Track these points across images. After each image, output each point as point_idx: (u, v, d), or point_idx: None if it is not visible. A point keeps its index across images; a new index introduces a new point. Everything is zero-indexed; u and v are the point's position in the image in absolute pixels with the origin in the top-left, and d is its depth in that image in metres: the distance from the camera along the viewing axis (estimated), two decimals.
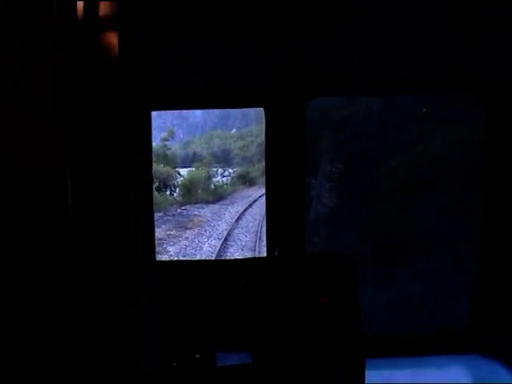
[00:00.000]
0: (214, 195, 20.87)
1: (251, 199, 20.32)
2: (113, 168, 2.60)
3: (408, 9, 2.85)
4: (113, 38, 2.58)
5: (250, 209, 19.33)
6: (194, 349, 3.19)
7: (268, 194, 3.87)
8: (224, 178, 22.67)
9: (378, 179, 7.64)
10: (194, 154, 22.73)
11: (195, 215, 18.84)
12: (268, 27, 3.14)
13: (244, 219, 18.18)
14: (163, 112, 15.39)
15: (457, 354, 3.98)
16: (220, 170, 22.65)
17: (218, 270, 3.43)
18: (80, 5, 2.33)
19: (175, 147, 21.91)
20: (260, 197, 19.85)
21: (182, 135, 22.69)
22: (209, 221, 18.15)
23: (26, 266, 2.30)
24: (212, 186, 21.68)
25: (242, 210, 19.31)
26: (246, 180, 22.00)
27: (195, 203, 19.93)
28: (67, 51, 2.32)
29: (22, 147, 2.29)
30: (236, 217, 18.36)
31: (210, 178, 21.82)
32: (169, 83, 3.65)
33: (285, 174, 3.74)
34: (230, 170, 22.94)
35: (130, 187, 2.73)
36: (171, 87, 3.68)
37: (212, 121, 23.22)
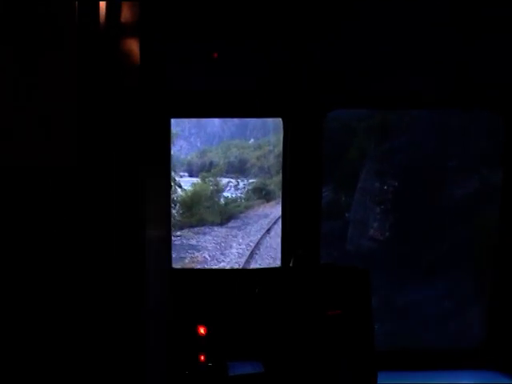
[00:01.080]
0: (222, 214, 17.05)
1: (269, 220, 16.30)
2: (131, 174, 2.62)
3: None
4: (134, 44, 2.60)
5: (268, 237, 14.54)
6: (207, 357, 3.20)
7: (284, 204, 3.87)
8: (238, 192, 19.44)
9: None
10: (211, 163, 20.43)
11: (190, 247, 14.08)
12: (288, 34, 3.16)
13: (259, 259, 13.22)
14: (180, 120, 15.18)
15: (468, 369, 3.95)
16: (233, 182, 19.64)
17: (232, 279, 3.44)
18: (102, 8, 2.36)
19: (192, 156, 20.73)
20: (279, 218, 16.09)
21: (199, 144, 21.83)
22: (206, 260, 13.38)
23: (29, 269, 2.32)
24: (222, 202, 18.12)
25: (256, 239, 14.48)
26: (262, 194, 18.87)
27: (195, 226, 15.52)
28: (87, 54, 2.34)
29: (37, 148, 2.32)
30: (248, 252, 13.42)
31: (218, 191, 18.31)
32: (189, 91, 3.68)
33: (301, 184, 3.74)
34: (245, 182, 19.93)
35: (147, 194, 2.75)
36: (191, 95, 3.70)
37: (230, 130, 21.95)
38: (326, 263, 4.17)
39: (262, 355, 3.18)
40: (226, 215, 17.10)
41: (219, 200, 18.00)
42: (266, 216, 16.70)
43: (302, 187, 3.74)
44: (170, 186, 3.49)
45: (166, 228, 3.44)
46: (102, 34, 2.42)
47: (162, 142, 3.26)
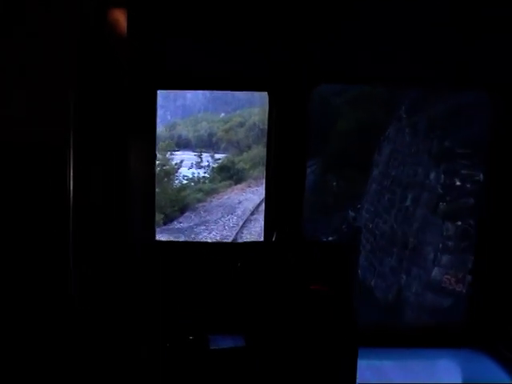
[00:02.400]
0: (171, 205, 12.37)
1: (239, 214, 11.71)
2: (116, 144, 2.58)
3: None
4: (121, 16, 2.55)
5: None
6: (188, 330, 3.19)
7: (267, 179, 3.87)
8: (201, 171, 15.98)
9: None
10: (180, 136, 19.69)
11: None
12: (276, 16, 3.14)
13: None
14: None
15: (451, 347, 4.02)
16: (194, 159, 16.22)
17: (215, 252, 3.43)
18: None
19: (160, 129, 19.30)
20: (256, 209, 11.77)
21: (169, 117, 21.24)
22: None
23: (22, 243, 2.29)
24: (175, 186, 14.15)
25: None
26: (230, 174, 15.54)
27: None
28: (74, 28, 2.30)
29: (24, 123, 2.28)
30: None
31: (168, 173, 13.77)
32: (175, 63, 3.63)
33: (285, 159, 3.74)
34: (209, 159, 16.57)
35: (132, 164, 2.72)
36: (177, 68, 3.66)
37: (201, 103, 21.56)
38: (312, 239, 4.18)
39: (243, 329, 3.19)
40: (177, 207, 12.71)
41: (171, 184, 13.98)
42: (234, 208, 12.53)
43: (287, 162, 3.74)
44: (156, 156, 3.46)
45: (150, 199, 3.42)
46: (89, 5, 2.39)
47: (148, 112, 3.23)
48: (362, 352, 3.11)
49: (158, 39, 3.18)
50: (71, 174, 2.31)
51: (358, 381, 3.06)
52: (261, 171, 13.07)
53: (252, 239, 9.93)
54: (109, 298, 2.60)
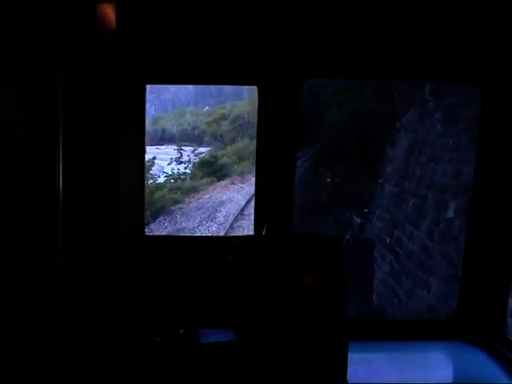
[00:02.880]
0: (146, 207, 7.47)
1: (218, 224, 10.31)
2: (105, 139, 2.57)
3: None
4: (109, 10, 2.54)
5: None
6: (178, 324, 3.19)
7: (257, 172, 3.87)
8: (181, 166, 14.74)
9: None
10: (164, 130, 19.63)
11: None
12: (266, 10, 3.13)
13: None
14: None
15: (439, 339, 4.06)
16: (173, 154, 15.08)
17: (205, 246, 3.43)
18: None
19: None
20: (240, 213, 10.46)
21: (153, 111, 20.85)
22: None
23: (10, 237, 2.28)
24: (150, 184, 12.97)
25: None
26: (213, 170, 14.41)
27: None
28: (61, 22, 2.29)
29: (12, 119, 2.26)
30: None
31: None
32: (164, 58, 3.61)
33: (275, 153, 3.75)
34: (190, 154, 15.21)
35: (122, 157, 2.71)
36: (166, 62, 3.65)
37: (186, 97, 21.26)
38: (300, 232, 4.19)
39: (233, 323, 3.19)
40: (150, 210, 11.38)
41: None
42: (215, 211, 11.19)
43: (277, 156, 3.74)
44: (145, 150, 3.44)
45: (139, 194, 3.40)
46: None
47: (137, 107, 3.21)
48: (352, 345, 3.12)
49: (147, 33, 3.16)
50: (60, 170, 2.29)
51: (348, 375, 3.08)
52: (246, 166, 12.73)
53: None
54: (98, 294, 2.59)
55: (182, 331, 3.16)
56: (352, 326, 3.16)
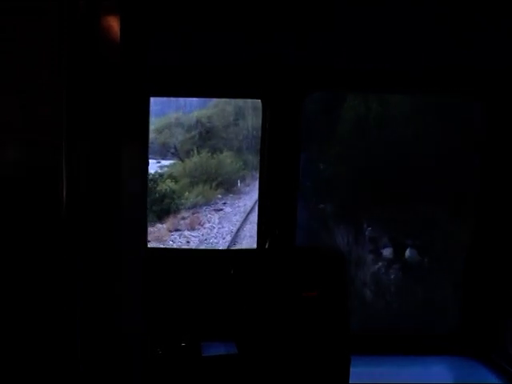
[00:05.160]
0: None
1: None
2: (108, 150, 2.58)
3: (408, 9, 2.86)
4: (114, 22, 2.55)
5: None
6: (180, 337, 3.18)
7: (261, 186, 3.88)
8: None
9: None
10: None
11: None
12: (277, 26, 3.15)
13: None
14: None
15: (443, 355, 4.03)
16: None
17: (207, 259, 3.43)
18: None
19: None
20: None
21: None
22: None
23: (11, 244, 2.28)
24: None
25: None
26: (159, 207, 9.69)
27: None
28: (68, 29, 2.29)
29: (14, 130, 2.27)
30: None
31: None
32: (168, 70, 3.63)
33: (279, 167, 3.75)
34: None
35: (124, 171, 2.71)
36: (170, 74, 3.66)
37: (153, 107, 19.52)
38: (302, 245, 4.18)
39: (236, 336, 3.18)
40: None
41: None
42: None
43: (280, 169, 3.75)
44: (148, 163, 3.45)
45: (142, 206, 3.40)
46: (82, 9, 2.38)
47: (141, 120, 3.22)
48: (354, 360, 3.10)
49: (151, 46, 3.18)
50: (64, 181, 2.30)
51: None
52: (205, 194, 9.38)
53: None
54: (100, 305, 2.59)
55: (183, 344, 3.15)
56: (354, 340, 3.15)
